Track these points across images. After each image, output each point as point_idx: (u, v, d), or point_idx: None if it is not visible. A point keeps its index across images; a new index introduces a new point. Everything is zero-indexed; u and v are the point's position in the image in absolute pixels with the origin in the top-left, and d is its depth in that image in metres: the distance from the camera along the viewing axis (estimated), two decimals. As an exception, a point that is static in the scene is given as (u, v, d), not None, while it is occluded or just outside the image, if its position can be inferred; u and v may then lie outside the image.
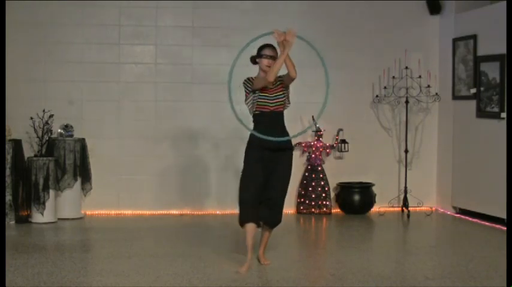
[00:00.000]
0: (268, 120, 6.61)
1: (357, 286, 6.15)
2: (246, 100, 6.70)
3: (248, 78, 6.70)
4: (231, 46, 9.95)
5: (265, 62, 6.66)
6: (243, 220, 6.61)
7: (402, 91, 10.06)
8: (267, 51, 6.69)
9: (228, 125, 9.88)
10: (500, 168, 8.88)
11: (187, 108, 9.91)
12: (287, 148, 6.73)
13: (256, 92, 6.61)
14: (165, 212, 9.78)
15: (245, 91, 6.68)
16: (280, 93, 6.66)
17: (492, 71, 9.12)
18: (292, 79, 6.58)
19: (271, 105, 6.62)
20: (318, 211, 9.88)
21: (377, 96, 10.16)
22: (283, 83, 6.69)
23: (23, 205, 9.00)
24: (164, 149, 9.86)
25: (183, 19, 9.92)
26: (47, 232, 8.50)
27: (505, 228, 8.71)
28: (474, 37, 9.51)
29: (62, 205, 9.21)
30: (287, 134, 6.68)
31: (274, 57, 6.64)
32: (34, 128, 9.15)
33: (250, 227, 6.58)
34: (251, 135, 6.67)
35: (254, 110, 6.65)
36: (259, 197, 6.59)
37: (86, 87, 9.73)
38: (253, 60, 6.79)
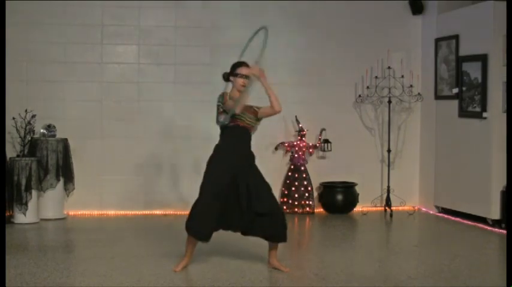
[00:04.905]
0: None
1: (340, 285, 6.16)
2: (218, 119, 6.42)
3: (222, 95, 6.42)
4: (214, 46, 9.99)
5: (240, 81, 6.35)
6: None
7: (385, 91, 10.08)
8: (243, 70, 6.36)
9: (211, 125, 9.87)
10: (483, 167, 8.93)
11: (170, 108, 9.89)
12: None
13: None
14: (149, 212, 9.75)
15: (218, 110, 6.41)
16: (253, 117, 6.46)
17: (474, 71, 9.16)
18: (276, 112, 6.38)
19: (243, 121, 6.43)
20: (301, 211, 9.89)
21: (360, 96, 10.18)
22: (259, 113, 6.45)
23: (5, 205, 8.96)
24: (147, 149, 9.83)
25: (165, 19, 9.90)
26: (30, 233, 8.46)
27: (487, 227, 8.78)
28: (456, 37, 9.55)
29: (45, 205, 9.16)
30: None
31: (249, 77, 6.32)
32: (16, 128, 9.10)
33: None
34: None
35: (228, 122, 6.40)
36: None
37: (69, 87, 9.69)
38: (227, 77, 6.47)
